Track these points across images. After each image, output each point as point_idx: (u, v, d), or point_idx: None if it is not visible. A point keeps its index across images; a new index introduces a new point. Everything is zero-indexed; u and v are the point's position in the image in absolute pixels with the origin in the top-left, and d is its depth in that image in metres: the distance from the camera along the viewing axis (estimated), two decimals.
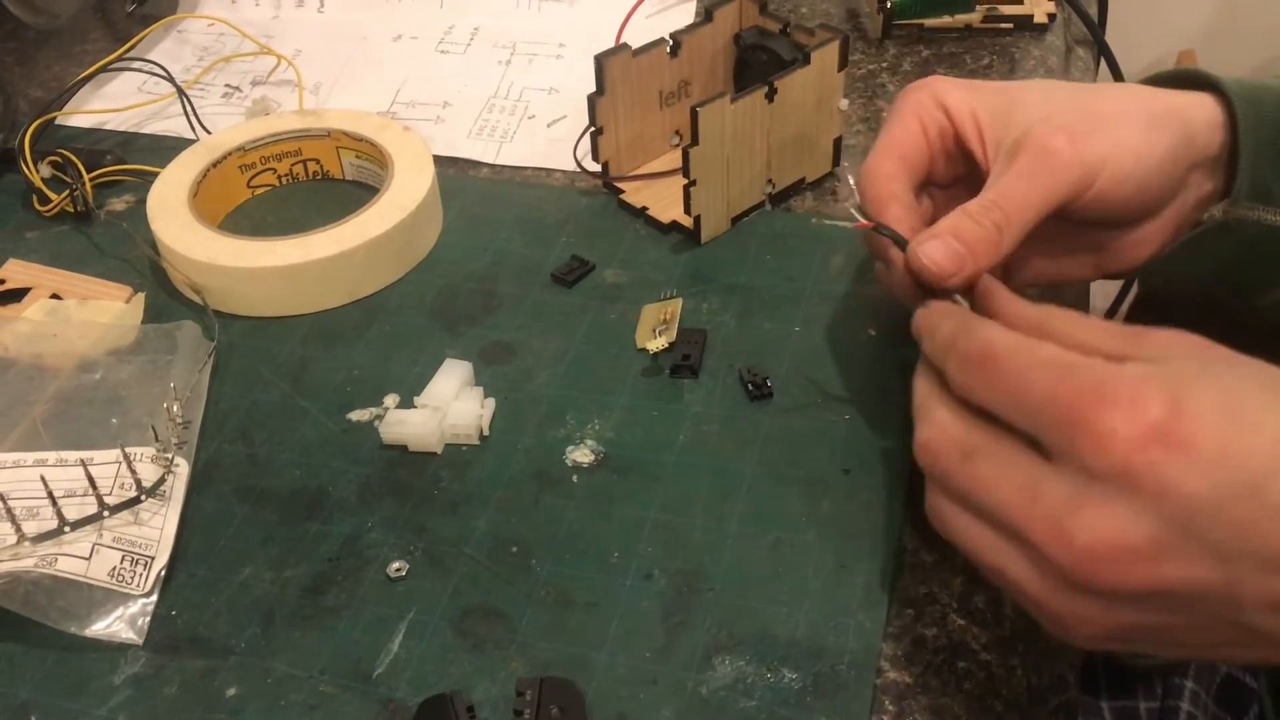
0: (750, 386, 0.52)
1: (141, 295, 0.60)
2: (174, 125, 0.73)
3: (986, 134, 0.48)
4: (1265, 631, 0.33)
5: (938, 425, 0.39)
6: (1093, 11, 0.82)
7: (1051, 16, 0.78)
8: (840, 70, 0.61)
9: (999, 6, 0.77)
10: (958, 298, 0.44)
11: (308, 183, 0.69)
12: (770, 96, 0.59)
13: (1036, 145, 0.45)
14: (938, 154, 0.50)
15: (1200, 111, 0.48)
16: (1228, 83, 0.48)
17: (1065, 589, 0.34)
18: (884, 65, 0.76)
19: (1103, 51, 0.81)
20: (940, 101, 0.49)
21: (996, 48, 0.76)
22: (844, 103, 0.63)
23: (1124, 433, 0.32)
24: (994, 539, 0.36)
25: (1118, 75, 0.81)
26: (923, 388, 0.41)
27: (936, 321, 0.41)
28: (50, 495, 0.45)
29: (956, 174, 0.51)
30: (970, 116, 0.49)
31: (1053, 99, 0.48)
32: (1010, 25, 0.78)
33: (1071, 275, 0.52)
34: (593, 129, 0.63)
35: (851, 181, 0.49)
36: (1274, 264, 0.49)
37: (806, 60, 0.59)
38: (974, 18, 0.78)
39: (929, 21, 0.78)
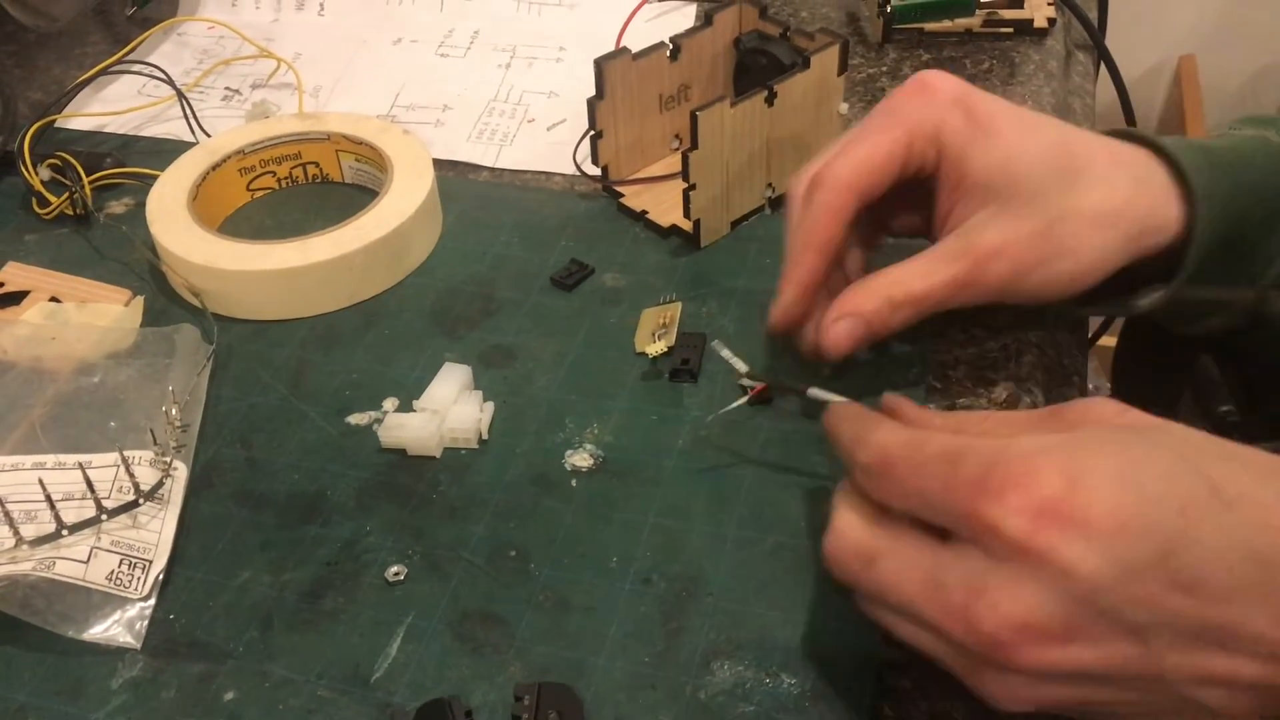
0: (747, 390, 0.52)
1: (140, 298, 0.60)
2: (173, 128, 0.73)
3: (961, 200, 0.48)
4: (1202, 703, 0.32)
5: (840, 534, 0.38)
6: (1093, 16, 0.82)
7: (1051, 21, 0.78)
8: (840, 74, 0.61)
9: (999, 11, 0.77)
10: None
11: (307, 186, 0.69)
12: (770, 100, 0.59)
13: (980, 263, 0.46)
14: (905, 181, 0.48)
15: (1164, 221, 0.47)
16: (1198, 185, 0.47)
17: (987, 668, 0.34)
18: (884, 69, 0.76)
19: (1103, 56, 0.81)
20: (937, 142, 0.47)
21: (996, 52, 0.76)
22: (844, 107, 0.63)
23: (1016, 513, 0.32)
24: (913, 628, 0.36)
25: (1118, 80, 0.81)
26: (838, 494, 0.40)
27: (836, 425, 0.41)
28: (48, 498, 0.45)
29: (903, 195, 0.50)
30: (956, 177, 0.47)
31: (1035, 201, 0.46)
32: (1010, 29, 0.78)
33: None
34: (592, 133, 0.63)
35: (727, 356, 0.48)
36: (1202, 314, 0.51)
37: (806, 64, 0.59)
38: (974, 22, 0.78)
39: (929, 26, 0.78)
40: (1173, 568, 0.31)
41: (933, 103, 0.47)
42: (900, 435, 0.37)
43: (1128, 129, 0.50)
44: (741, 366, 0.49)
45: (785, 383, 0.45)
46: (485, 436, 0.51)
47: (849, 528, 0.38)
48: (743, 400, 0.47)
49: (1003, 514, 0.32)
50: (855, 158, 0.47)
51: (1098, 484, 0.31)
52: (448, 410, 0.51)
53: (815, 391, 0.45)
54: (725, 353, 0.49)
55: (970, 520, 0.33)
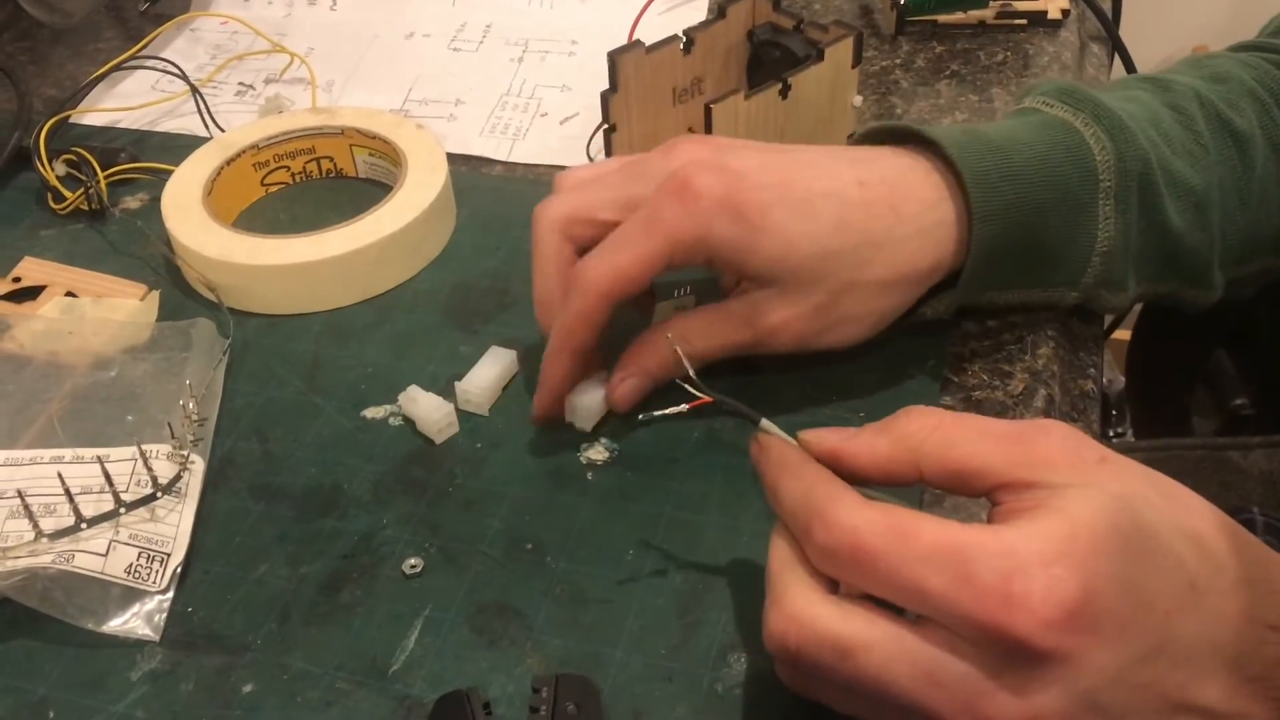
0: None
1: (156, 293, 0.60)
2: (187, 123, 0.73)
3: (742, 282, 0.49)
4: None
5: (799, 620, 0.35)
6: (1107, 7, 0.82)
7: (1065, 12, 0.78)
8: (854, 67, 0.61)
9: (1013, 2, 0.77)
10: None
11: (321, 180, 0.69)
12: (784, 93, 0.59)
13: (762, 336, 0.49)
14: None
15: (950, 248, 0.48)
16: (976, 205, 0.47)
17: None
18: (897, 62, 0.75)
19: (1117, 47, 0.81)
20: (706, 251, 0.46)
21: (1010, 44, 0.76)
22: (858, 99, 0.63)
23: (1045, 626, 0.32)
24: (897, 715, 0.35)
25: (1131, 71, 0.80)
26: (777, 554, 0.38)
27: (776, 477, 0.39)
28: (67, 492, 0.46)
29: None
30: (734, 272, 0.49)
31: (818, 283, 0.47)
32: (1024, 21, 0.77)
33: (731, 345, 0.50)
34: (606, 126, 0.63)
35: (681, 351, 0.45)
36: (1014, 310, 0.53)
37: (820, 57, 0.59)
38: (988, 13, 0.77)
39: (942, 17, 0.78)
40: (1155, 661, 0.33)
41: (695, 210, 0.46)
42: (875, 519, 0.35)
43: (898, 126, 0.51)
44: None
45: (736, 405, 0.40)
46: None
47: (812, 615, 0.35)
48: (681, 408, 0.42)
49: (1031, 627, 0.32)
50: (612, 265, 0.47)
51: (1108, 595, 0.33)
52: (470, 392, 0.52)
53: (768, 425, 0.40)
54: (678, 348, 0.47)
55: (988, 628, 0.32)
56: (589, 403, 0.50)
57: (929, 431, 0.37)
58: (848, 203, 0.47)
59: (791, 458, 0.39)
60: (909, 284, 0.49)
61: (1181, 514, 0.35)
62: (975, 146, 0.48)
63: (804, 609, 0.36)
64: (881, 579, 0.34)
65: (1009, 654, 0.33)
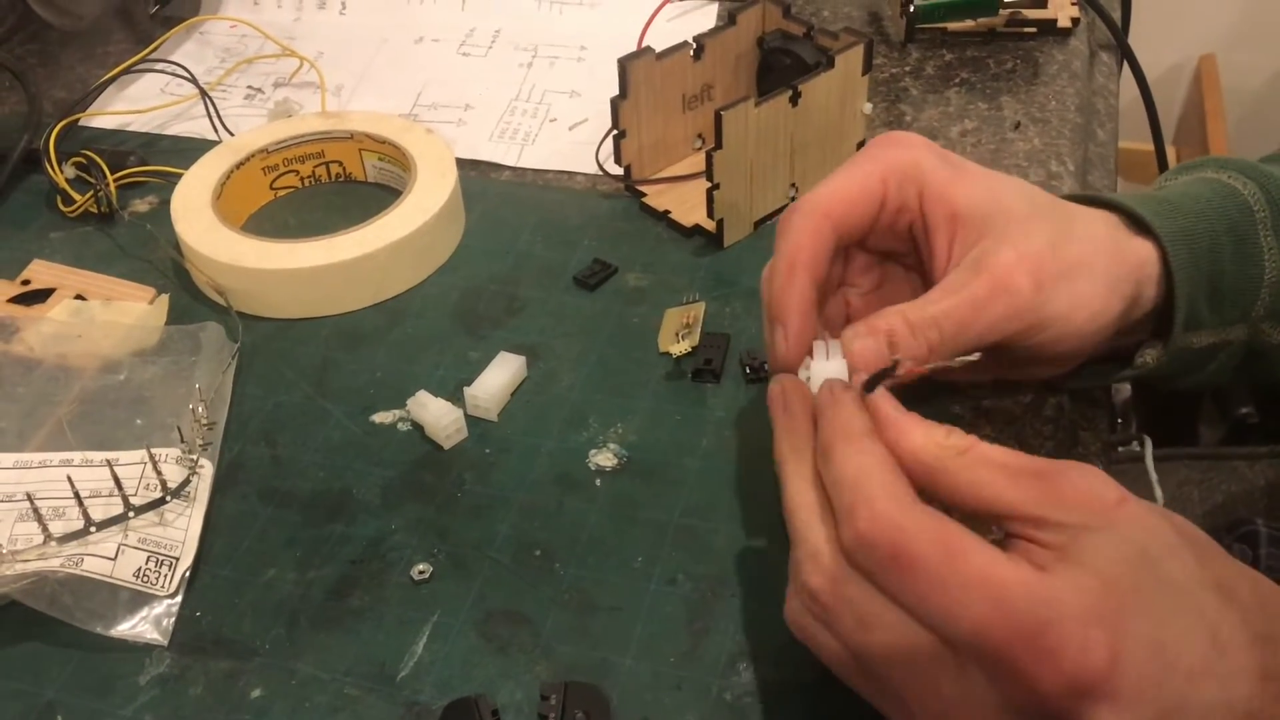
0: (748, 370, 0.53)
1: (165, 296, 0.60)
2: (197, 127, 0.74)
3: (959, 234, 0.45)
4: None
5: (831, 577, 0.36)
6: (1116, 16, 0.82)
7: (1075, 21, 0.78)
8: (864, 74, 0.61)
9: (1023, 11, 0.77)
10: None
11: (330, 185, 0.69)
12: (794, 100, 0.59)
13: (1000, 278, 0.43)
14: (883, 228, 0.46)
15: (1149, 269, 0.47)
16: (1160, 228, 0.46)
17: None
18: (907, 69, 0.75)
19: (1126, 56, 0.81)
20: (917, 179, 0.45)
21: (1020, 52, 0.76)
22: (868, 106, 0.63)
23: (1064, 683, 0.32)
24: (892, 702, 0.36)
25: (1140, 79, 0.80)
26: (803, 505, 0.38)
27: (833, 442, 0.38)
28: (76, 495, 0.46)
29: (890, 249, 0.48)
30: (946, 211, 0.45)
31: (1032, 222, 0.45)
32: (1034, 29, 0.77)
33: (962, 376, 0.47)
34: (615, 132, 0.63)
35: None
36: (1200, 362, 0.49)
37: (830, 64, 0.59)
38: (997, 21, 0.77)
39: (952, 25, 0.78)
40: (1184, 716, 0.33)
41: (905, 145, 0.46)
42: (926, 526, 0.34)
43: (1080, 194, 0.50)
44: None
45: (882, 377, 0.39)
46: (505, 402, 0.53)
47: (837, 580, 0.36)
48: (973, 356, 0.41)
49: (1055, 685, 0.32)
50: (829, 187, 0.46)
51: (1135, 659, 0.32)
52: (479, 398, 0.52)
53: None
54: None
55: (1013, 672, 0.32)
56: (833, 369, 0.42)
57: (965, 458, 0.36)
58: (1028, 184, 0.47)
59: (857, 426, 0.38)
60: (1132, 286, 0.46)
61: (1203, 562, 0.35)
62: (1142, 199, 0.48)
63: (833, 577, 0.36)
64: (911, 589, 0.34)
65: (1024, 698, 0.33)
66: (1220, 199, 0.48)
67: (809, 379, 0.42)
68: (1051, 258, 0.44)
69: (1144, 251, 0.47)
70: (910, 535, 0.34)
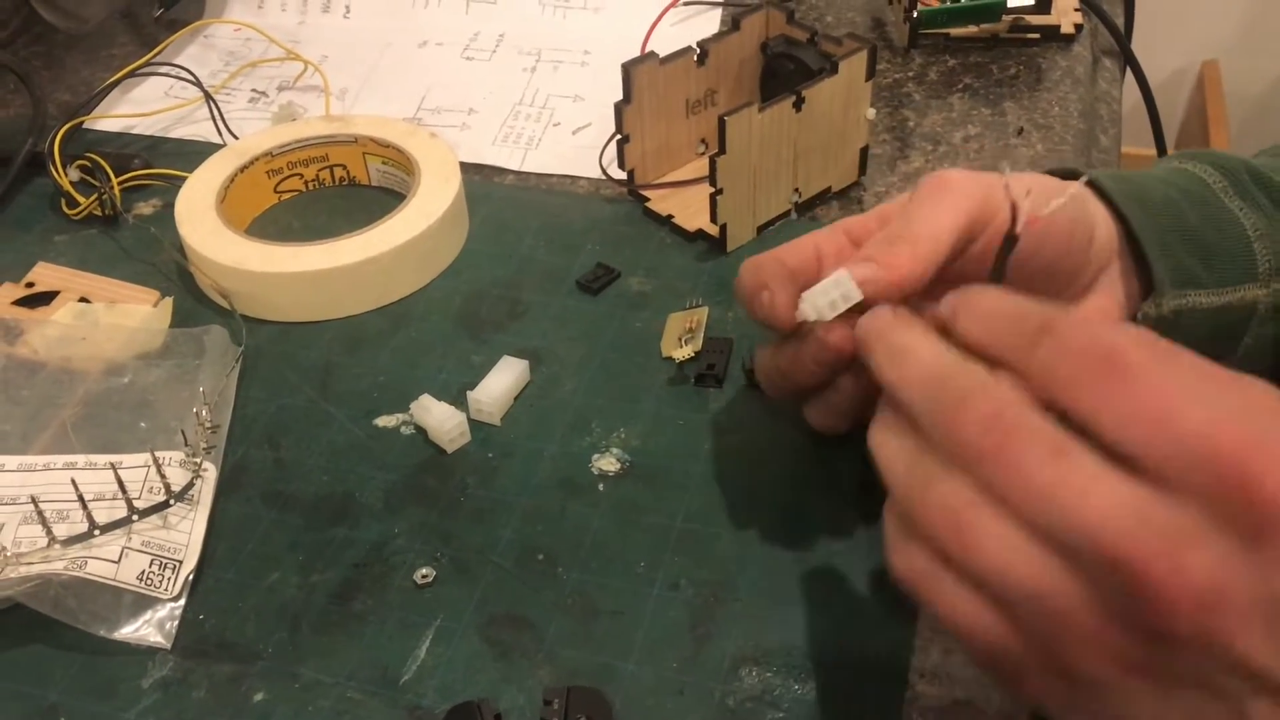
0: (750, 375, 0.53)
1: (169, 299, 0.60)
2: (201, 130, 0.74)
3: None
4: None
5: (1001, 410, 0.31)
6: (1119, 22, 0.82)
7: (1078, 27, 0.78)
8: (868, 80, 0.61)
9: (1026, 16, 0.77)
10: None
11: (334, 188, 0.69)
12: (798, 106, 0.59)
13: (932, 179, 0.42)
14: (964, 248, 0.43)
15: (1092, 203, 0.47)
16: (1104, 181, 0.47)
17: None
18: (910, 75, 0.75)
19: (1129, 61, 0.81)
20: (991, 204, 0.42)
21: (1023, 57, 0.76)
22: (871, 112, 0.63)
23: None
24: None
25: (1144, 85, 0.81)
26: (900, 456, 0.34)
27: (997, 304, 0.34)
28: (80, 498, 0.46)
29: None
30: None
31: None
32: (1037, 35, 0.77)
33: None
34: (619, 137, 0.63)
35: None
36: (1225, 339, 0.49)
37: (834, 69, 0.59)
38: (1001, 27, 0.77)
39: (955, 31, 0.78)
40: None
41: (973, 179, 0.43)
42: (1136, 335, 0.30)
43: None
44: None
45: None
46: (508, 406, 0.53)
47: (1021, 406, 0.31)
48: (1069, 192, 0.38)
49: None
50: (967, 173, 0.44)
51: None
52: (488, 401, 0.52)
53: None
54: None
55: (1233, 480, 0.28)
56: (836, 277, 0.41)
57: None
58: None
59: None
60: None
61: None
62: (1099, 175, 0.48)
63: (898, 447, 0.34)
64: (1121, 398, 0.30)
65: (1237, 515, 0.28)
66: (1170, 174, 0.50)
67: (814, 306, 0.42)
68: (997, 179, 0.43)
69: (1100, 212, 0.48)
70: (1124, 343, 0.30)
